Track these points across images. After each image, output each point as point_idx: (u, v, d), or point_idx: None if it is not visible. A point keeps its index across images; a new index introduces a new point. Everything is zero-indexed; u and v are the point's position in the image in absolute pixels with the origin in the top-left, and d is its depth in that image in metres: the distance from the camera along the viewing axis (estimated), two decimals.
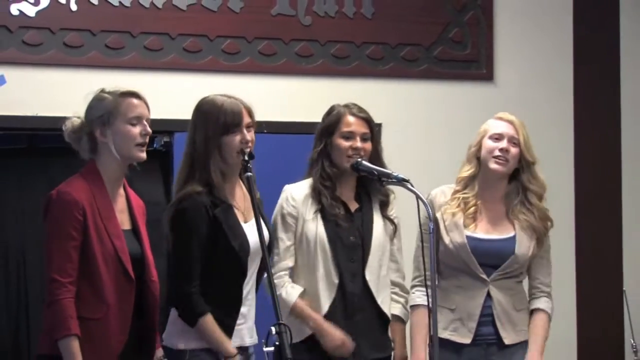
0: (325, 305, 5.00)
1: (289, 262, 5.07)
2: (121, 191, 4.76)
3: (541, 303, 5.17)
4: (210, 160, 4.76)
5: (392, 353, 5.13)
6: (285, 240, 5.05)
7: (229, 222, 4.77)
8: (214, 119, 4.76)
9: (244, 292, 4.81)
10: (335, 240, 5.04)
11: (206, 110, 4.83)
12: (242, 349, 4.81)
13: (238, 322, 4.79)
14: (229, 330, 4.75)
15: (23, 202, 6.23)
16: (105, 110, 4.66)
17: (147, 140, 4.71)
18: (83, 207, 4.54)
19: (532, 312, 5.17)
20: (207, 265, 4.76)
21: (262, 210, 4.87)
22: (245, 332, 4.82)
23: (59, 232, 4.56)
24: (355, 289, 5.02)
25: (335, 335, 4.89)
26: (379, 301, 5.04)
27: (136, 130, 4.65)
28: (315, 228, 5.06)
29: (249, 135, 4.77)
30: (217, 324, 4.70)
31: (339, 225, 5.04)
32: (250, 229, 4.79)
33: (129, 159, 4.69)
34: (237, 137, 4.75)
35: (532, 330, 5.14)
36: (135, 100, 4.69)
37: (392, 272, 5.15)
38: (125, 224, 4.72)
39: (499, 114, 5.18)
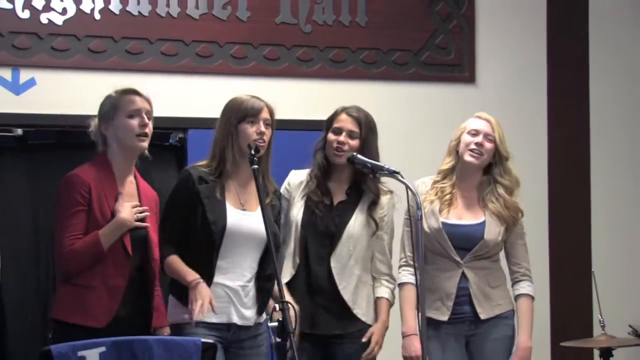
0: (285, 278, 5.00)
1: None
2: (131, 178, 4.79)
3: (524, 288, 5.21)
4: (229, 146, 4.78)
5: (358, 331, 5.07)
6: (280, 220, 5.06)
7: (210, 198, 4.78)
8: (236, 109, 4.82)
9: (217, 268, 4.78)
10: (307, 225, 5.06)
11: (231, 103, 4.89)
12: (232, 325, 4.79)
13: (221, 300, 4.76)
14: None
15: (51, 188, 6.22)
16: (110, 107, 4.69)
17: (146, 130, 4.73)
18: (89, 186, 4.59)
19: (517, 297, 5.19)
20: (186, 233, 4.78)
21: (279, 200, 4.90)
22: (233, 311, 4.78)
23: (68, 208, 4.58)
24: (320, 272, 5.04)
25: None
26: (340, 287, 5.03)
27: (135, 122, 4.68)
28: (296, 211, 5.08)
29: (265, 129, 4.79)
30: (187, 291, 4.69)
31: (315, 213, 5.05)
32: (242, 216, 4.81)
33: (130, 148, 4.72)
34: (253, 127, 4.76)
35: (520, 316, 5.19)
36: (134, 96, 4.73)
37: (381, 264, 5.14)
38: None
39: (478, 113, 5.22)
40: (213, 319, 4.73)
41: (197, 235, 4.76)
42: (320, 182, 5.09)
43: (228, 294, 4.79)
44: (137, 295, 4.71)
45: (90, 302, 4.56)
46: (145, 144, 4.73)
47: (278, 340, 4.24)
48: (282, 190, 5.13)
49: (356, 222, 5.08)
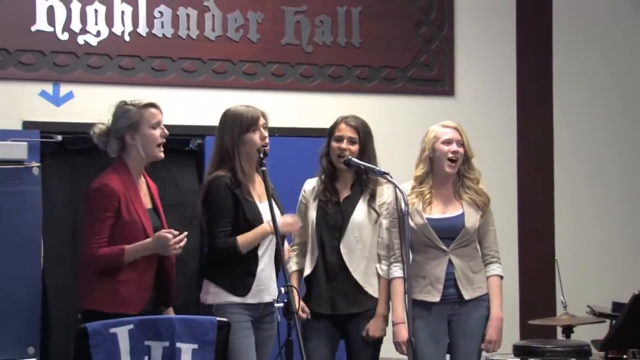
0: (308, 270, 5.09)
1: (297, 239, 5.18)
2: (142, 179, 4.79)
3: (494, 270, 5.23)
4: (236, 155, 4.80)
5: (372, 308, 5.10)
6: (300, 223, 5.05)
7: (245, 199, 4.81)
8: (238, 122, 4.85)
9: (259, 257, 4.82)
10: (321, 222, 5.10)
11: (231, 116, 4.90)
12: (262, 304, 4.83)
13: (259, 285, 4.79)
14: (248, 285, 4.79)
15: (87, 187, 6.21)
16: (134, 119, 4.68)
17: (164, 140, 4.74)
18: (118, 196, 4.59)
19: (488, 277, 5.20)
20: (232, 231, 4.79)
21: (275, 196, 4.88)
22: (265, 292, 4.83)
23: (98, 215, 4.58)
24: (333, 259, 5.07)
25: None
26: (351, 270, 5.06)
27: (157, 133, 4.70)
28: (312, 212, 5.13)
29: (266, 133, 4.86)
30: (237, 281, 4.77)
31: (326, 212, 5.09)
32: (263, 208, 4.83)
33: (151, 157, 4.75)
34: (257, 135, 4.80)
35: (492, 293, 5.20)
36: (154, 110, 4.76)
37: (380, 247, 5.15)
38: (148, 204, 4.79)
39: (444, 122, 5.28)
40: (250, 300, 4.81)
41: (240, 233, 4.79)
42: (327, 184, 5.14)
43: (265, 277, 4.86)
44: (161, 281, 4.71)
45: (126, 294, 4.57)
46: (162, 154, 4.77)
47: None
48: (300, 197, 5.20)
49: (359, 212, 5.11)
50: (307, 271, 5.09)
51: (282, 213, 4.87)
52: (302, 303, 4.86)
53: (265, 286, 4.85)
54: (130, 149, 4.70)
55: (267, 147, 4.87)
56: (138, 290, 4.59)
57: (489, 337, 5.14)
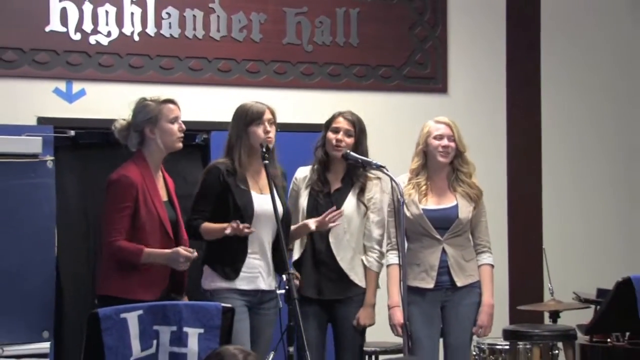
0: (296, 255, 5.09)
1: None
2: (160, 172, 4.79)
3: (485, 258, 5.25)
4: (238, 145, 4.80)
5: (356, 295, 5.11)
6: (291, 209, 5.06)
7: (238, 187, 4.80)
8: (243, 115, 4.85)
9: (247, 244, 4.80)
10: (312, 210, 5.08)
11: (239, 109, 4.92)
12: (260, 292, 4.83)
13: (253, 271, 4.78)
14: (237, 270, 4.79)
15: (99, 180, 6.21)
16: (153, 114, 4.69)
17: (182, 134, 4.75)
18: (136, 186, 4.59)
19: (480, 266, 5.22)
20: (218, 218, 4.78)
21: (280, 191, 4.88)
22: (260, 280, 4.82)
23: (118, 205, 4.58)
24: (322, 247, 5.07)
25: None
26: (338, 259, 5.06)
27: (175, 127, 4.71)
28: (302, 200, 5.11)
29: (270, 128, 4.82)
30: (228, 266, 4.77)
31: (317, 201, 5.08)
32: (262, 199, 4.81)
33: (171, 148, 4.75)
34: (260, 128, 4.79)
35: (483, 281, 5.22)
36: (172, 105, 4.77)
37: (367, 239, 5.16)
38: (164, 196, 4.77)
39: (438, 118, 5.30)
40: (245, 286, 4.80)
41: (231, 219, 4.73)
42: (321, 174, 5.12)
43: (257, 265, 4.84)
44: (175, 270, 4.71)
45: (143, 282, 4.58)
46: (181, 145, 4.80)
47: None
48: (291, 184, 5.18)
49: (349, 204, 5.09)
50: (296, 256, 5.09)
51: (283, 207, 4.84)
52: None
53: (261, 274, 4.84)
54: (149, 142, 4.72)
55: (271, 142, 4.84)
56: (155, 279, 4.59)
57: (480, 323, 5.15)
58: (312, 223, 4.90)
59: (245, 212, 4.78)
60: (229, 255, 4.81)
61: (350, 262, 5.08)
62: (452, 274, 5.13)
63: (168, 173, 4.92)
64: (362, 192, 5.13)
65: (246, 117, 4.84)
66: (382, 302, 5.21)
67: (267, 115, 4.86)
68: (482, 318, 5.16)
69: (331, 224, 4.90)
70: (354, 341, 5.12)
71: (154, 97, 4.77)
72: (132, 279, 4.57)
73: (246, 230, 4.65)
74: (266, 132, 4.82)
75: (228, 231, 4.65)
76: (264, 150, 4.77)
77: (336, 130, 5.09)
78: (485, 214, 5.29)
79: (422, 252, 5.14)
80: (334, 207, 4.93)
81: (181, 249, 4.55)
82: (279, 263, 4.83)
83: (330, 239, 5.05)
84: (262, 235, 4.85)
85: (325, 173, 5.14)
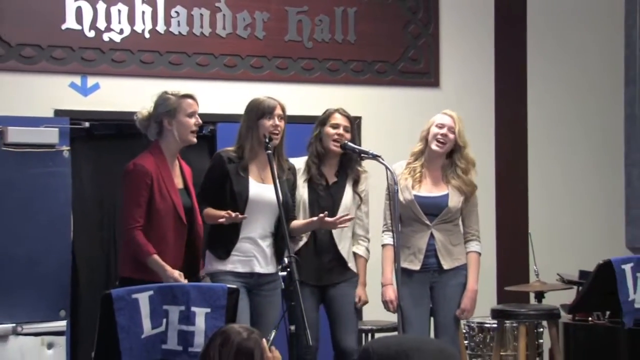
0: (300, 244, 5.05)
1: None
2: (176, 162, 4.79)
3: (473, 246, 5.25)
4: (249, 135, 4.81)
5: (349, 278, 5.12)
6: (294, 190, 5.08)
7: (237, 174, 4.82)
8: (255, 108, 4.86)
9: (240, 228, 4.81)
10: (313, 202, 5.08)
11: (251, 104, 4.93)
12: (256, 274, 4.83)
13: (247, 254, 4.78)
14: (228, 251, 4.82)
15: (112, 169, 6.24)
16: (172, 107, 4.70)
17: (198, 128, 4.75)
18: (151, 175, 4.58)
19: (468, 253, 5.22)
20: (218, 202, 4.81)
21: (282, 184, 4.84)
22: (255, 263, 4.83)
23: (134, 193, 4.59)
24: (324, 237, 5.07)
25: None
26: (339, 247, 5.08)
27: (192, 121, 4.71)
28: (302, 193, 5.08)
29: (279, 122, 4.84)
30: (221, 247, 4.80)
31: (318, 193, 5.08)
32: (262, 188, 4.82)
33: (185, 141, 4.74)
34: (270, 122, 4.80)
35: (469, 267, 5.22)
36: (191, 100, 4.76)
37: (359, 228, 5.16)
38: (180, 184, 4.77)
39: (445, 110, 5.27)
40: (240, 269, 4.80)
41: (227, 203, 4.80)
42: (318, 168, 5.11)
43: (251, 249, 4.83)
44: (190, 252, 4.71)
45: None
46: (196, 139, 4.79)
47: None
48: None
49: (347, 197, 5.11)
50: (299, 245, 5.07)
51: (283, 198, 4.79)
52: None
53: (256, 257, 4.85)
54: (166, 133, 4.72)
55: (277, 135, 4.85)
56: (169, 261, 4.59)
57: (464, 306, 5.16)
58: (321, 223, 4.90)
59: (239, 198, 4.80)
60: (222, 239, 4.85)
61: (348, 250, 5.11)
62: (439, 257, 5.14)
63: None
64: (356, 184, 5.15)
65: (258, 110, 4.85)
66: (377, 283, 5.21)
67: (278, 111, 4.87)
68: (465, 302, 5.16)
69: (340, 225, 4.92)
70: (353, 316, 5.14)
71: (175, 92, 4.78)
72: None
73: (240, 217, 4.68)
74: (275, 125, 4.83)
75: (222, 220, 4.70)
76: (267, 140, 4.79)
77: (336, 127, 5.09)
78: (477, 204, 5.29)
79: (412, 235, 5.15)
80: (348, 214, 4.95)
81: (177, 276, 4.51)
82: (280, 249, 4.85)
83: (333, 230, 5.06)
84: (258, 222, 4.85)
85: (320, 167, 5.14)
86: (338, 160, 5.15)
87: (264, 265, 4.86)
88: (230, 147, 4.92)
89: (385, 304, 5.14)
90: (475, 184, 5.22)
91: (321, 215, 4.86)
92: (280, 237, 4.84)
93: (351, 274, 5.12)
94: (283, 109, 4.91)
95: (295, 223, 4.98)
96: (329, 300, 5.11)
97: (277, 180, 4.68)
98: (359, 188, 5.15)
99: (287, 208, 4.83)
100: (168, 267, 4.52)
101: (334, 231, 5.04)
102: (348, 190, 5.13)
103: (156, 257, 4.53)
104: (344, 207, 5.06)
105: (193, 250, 4.75)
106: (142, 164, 4.63)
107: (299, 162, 5.16)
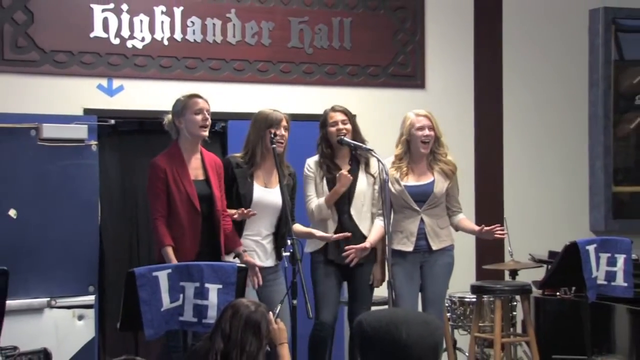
0: (332, 229, 5.02)
1: (315, 201, 5.05)
2: (197, 155, 4.77)
3: (461, 215, 5.27)
4: (259, 145, 4.81)
5: (369, 258, 5.10)
6: (308, 192, 5.07)
7: (243, 178, 4.82)
8: (264, 120, 4.84)
9: (246, 226, 4.81)
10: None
11: (259, 116, 4.91)
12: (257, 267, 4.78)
13: (247, 249, 4.78)
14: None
15: (135, 161, 6.22)
16: (181, 107, 4.69)
17: (207, 123, 4.72)
18: (164, 171, 4.58)
19: (459, 221, 5.24)
20: (228, 203, 4.81)
21: (284, 187, 4.78)
22: (255, 257, 4.81)
23: (152, 187, 4.61)
24: (346, 220, 5.02)
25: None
26: (361, 227, 5.05)
27: (199, 117, 4.68)
28: (323, 187, 5.05)
29: (284, 133, 4.85)
30: (227, 240, 4.74)
31: (335, 184, 5.01)
32: (266, 192, 4.82)
33: (196, 136, 4.72)
34: (278, 131, 4.78)
35: (469, 224, 5.27)
36: (198, 99, 4.73)
37: (375, 207, 5.11)
38: (200, 176, 4.73)
39: (417, 111, 5.30)
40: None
41: (234, 204, 4.80)
42: (330, 164, 5.08)
43: (252, 244, 4.84)
44: (209, 236, 4.68)
45: (182, 245, 4.57)
46: (206, 133, 4.76)
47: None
48: (305, 171, 5.12)
49: (361, 182, 5.09)
50: (331, 231, 5.02)
51: (284, 200, 4.75)
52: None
53: (256, 252, 4.84)
54: (181, 132, 4.72)
55: (282, 143, 4.84)
56: (186, 244, 4.59)
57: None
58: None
59: (244, 200, 4.81)
60: (230, 232, 4.81)
61: (369, 229, 5.07)
62: (428, 240, 5.13)
63: None
64: (367, 165, 5.12)
65: (266, 122, 4.84)
66: None
67: (283, 123, 4.89)
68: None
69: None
70: (368, 295, 5.15)
71: (185, 94, 4.78)
72: (177, 243, 4.58)
73: (250, 213, 4.68)
74: (281, 135, 4.82)
75: (235, 216, 4.71)
76: (272, 136, 4.78)
77: (334, 124, 5.08)
78: (458, 188, 5.29)
79: (404, 221, 5.13)
80: (349, 234, 4.92)
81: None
82: (279, 246, 4.85)
83: (352, 213, 5.04)
84: (260, 222, 4.85)
85: (333, 161, 5.12)
86: (347, 150, 5.13)
87: (263, 259, 4.86)
88: (238, 154, 4.93)
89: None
90: (454, 163, 5.22)
91: (341, 235, 4.90)
92: (281, 235, 4.86)
93: (371, 254, 5.10)
94: (287, 121, 4.91)
95: (301, 229, 4.99)
96: (351, 278, 5.10)
97: (282, 183, 4.72)
98: (371, 169, 5.12)
99: (285, 211, 4.76)
100: (175, 263, 4.49)
101: (353, 213, 5.03)
102: (362, 176, 5.10)
103: (169, 249, 4.52)
104: (359, 192, 5.05)
105: (213, 235, 4.72)
106: (156, 162, 4.67)
107: (314, 160, 5.13)
